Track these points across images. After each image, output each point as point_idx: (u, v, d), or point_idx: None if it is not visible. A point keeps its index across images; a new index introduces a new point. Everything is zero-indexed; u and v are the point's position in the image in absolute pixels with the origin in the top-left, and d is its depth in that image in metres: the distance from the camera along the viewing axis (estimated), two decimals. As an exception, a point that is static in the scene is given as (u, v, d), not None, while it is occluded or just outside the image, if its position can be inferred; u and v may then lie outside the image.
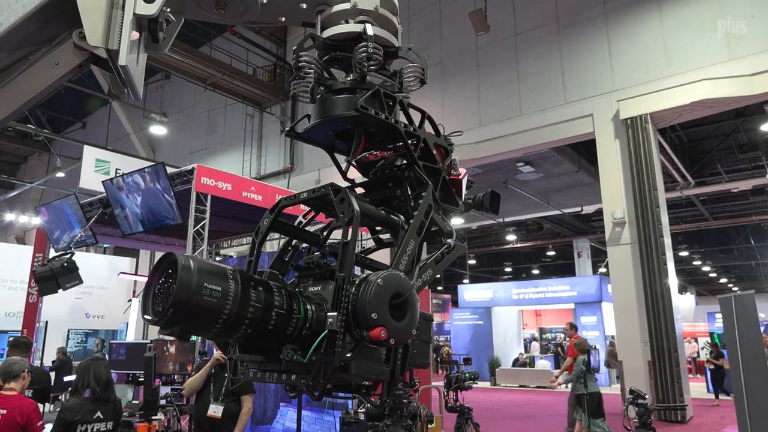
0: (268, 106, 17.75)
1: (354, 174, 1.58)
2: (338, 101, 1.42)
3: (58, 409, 3.57)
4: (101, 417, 3.45)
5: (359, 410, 5.67)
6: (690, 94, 10.10)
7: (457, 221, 18.34)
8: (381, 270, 1.31)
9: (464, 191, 1.59)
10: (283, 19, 1.55)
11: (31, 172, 26.22)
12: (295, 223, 1.51)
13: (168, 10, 1.37)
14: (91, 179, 12.44)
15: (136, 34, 1.28)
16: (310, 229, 1.55)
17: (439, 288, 31.66)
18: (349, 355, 1.17)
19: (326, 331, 1.13)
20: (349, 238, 1.21)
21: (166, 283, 1.12)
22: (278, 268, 1.39)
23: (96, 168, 12.82)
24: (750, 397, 5.28)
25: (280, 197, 1.42)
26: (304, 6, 1.50)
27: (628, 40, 11.15)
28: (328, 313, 1.15)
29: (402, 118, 1.46)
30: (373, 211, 1.36)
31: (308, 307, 1.20)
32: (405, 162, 1.48)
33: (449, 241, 1.42)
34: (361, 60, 1.40)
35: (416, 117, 1.51)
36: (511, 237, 24.65)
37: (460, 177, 1.57)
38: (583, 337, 8.81)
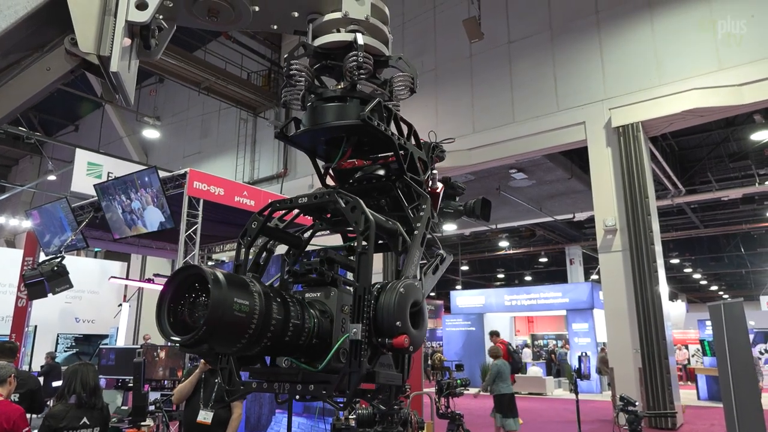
0: (262, 110, 17.75)
1: (328, 180, 1.60)
2: (338, 109, 1.43)
3: (43, 416, 3.52)
4: (87, 423, 3.41)
5: (350, 417, 5.66)
6: (681, 103, 10.21)
7: (450, 227, 18.37)
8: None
9: (440, 203, 1.64)
10: (275, 27, 1.57)
11: (22, 174, 26.04)
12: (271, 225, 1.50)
13: (160, 17, 1.39)
14: (83, 183, 12.38)
15: (127, 41, 1.29)
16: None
17: (432, 294, 31.65)
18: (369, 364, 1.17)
19: (342, 339, 1.14)
20: (364, 247, 1.19)
21: (184, 297, 1.09)
22: (255, 272, 1.37)
23: (88, 171, 12.76)
24: (739, 403, 5.31)
25: (272, 200, 1.39)
26: (296, 15, 1.51)
27: (620, 49, 11.27)
28: (351, 324, 1.15)
29: (392, 129, 1.48)
30: (381, 220, 1.35)
31: (314, 314, 1.21)
32: (387, 173, 1.50)
33: (442, 252, 1.45)
34: (352, 69, 1.42)
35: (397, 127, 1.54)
36: (503, 243, 24.72)
37: (438, 191, 1.60)
38: (497, 345, 8.97)
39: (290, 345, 1.17)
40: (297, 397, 1.24)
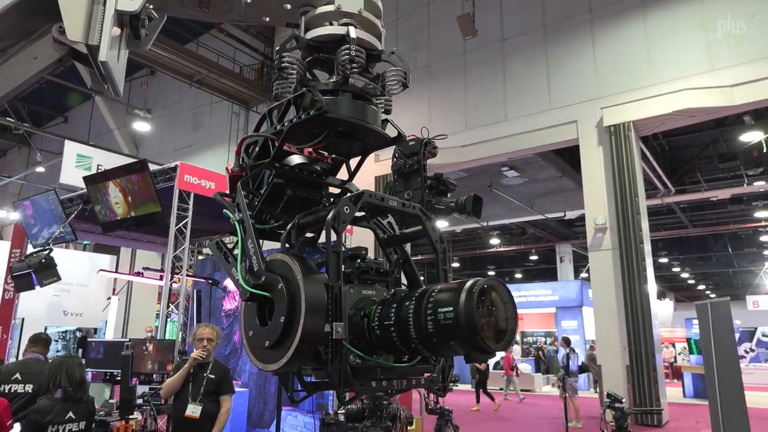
0: (255, 104, 17.64)
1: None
2: (372, 113, 1.49)
3: (28, 411, 3.45)
4: (73, 417, 3.34)
5: (339, 411, 5.66)
6: (672, 104, 10.27)
7: (441, 224, 18.39)
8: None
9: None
10: (267, 19, 1.55)
11: (9, 166, 25.72)
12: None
13: (150, 6, 1.37)
14: (71, 175, 12.25)
15: (117, 30, 1.27)
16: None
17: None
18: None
19: None
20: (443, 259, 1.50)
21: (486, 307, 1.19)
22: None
23: (77, 163, 12.64)
24: (724, 401, 5.37)
25: (365, 190, 1.39)
26: (288, 7, 1.50)
27: (612, 48, 11.31)
28: None
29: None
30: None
31: None
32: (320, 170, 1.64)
33: None
34: (344, 62, 1.41)
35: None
36: (494, 241, 24.80)
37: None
38: None
39: None
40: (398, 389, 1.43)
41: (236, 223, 1.42)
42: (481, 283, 1.15)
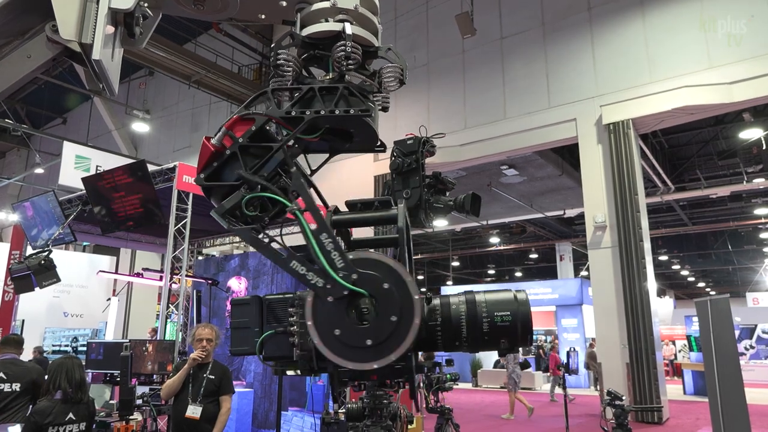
0: (253, 105, 17.61)
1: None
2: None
3: (28, 412, 3.46)
4: (73, 418, 3.34)
5: (339, 411, 5.65)
6: (671, 101, 10.26)
7: (440, 223, 18.39)
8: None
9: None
10: (263, 16, 1.55)
11: (9, 167, 25.72)
12: None
13: (145, 4, 1.36)
14: (70, 176, 12.28)
15: (111, 29, 1.26)
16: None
17: (423, 289, 31.65)
18: None
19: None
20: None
21: None
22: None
23: (76, 165, 12.64)
24: (724, 398, 5.37)
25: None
26: (284, 4, 1.49)
27: (611, 46, 11.30)
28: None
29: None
30: None
31: None
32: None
33: None
34: (340, 59, 1.40)
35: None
36: (494, 239, 24.80)
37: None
38: None
39: None
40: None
41: (297, 213, 1.34)
42: (525, 292, 1.41)
